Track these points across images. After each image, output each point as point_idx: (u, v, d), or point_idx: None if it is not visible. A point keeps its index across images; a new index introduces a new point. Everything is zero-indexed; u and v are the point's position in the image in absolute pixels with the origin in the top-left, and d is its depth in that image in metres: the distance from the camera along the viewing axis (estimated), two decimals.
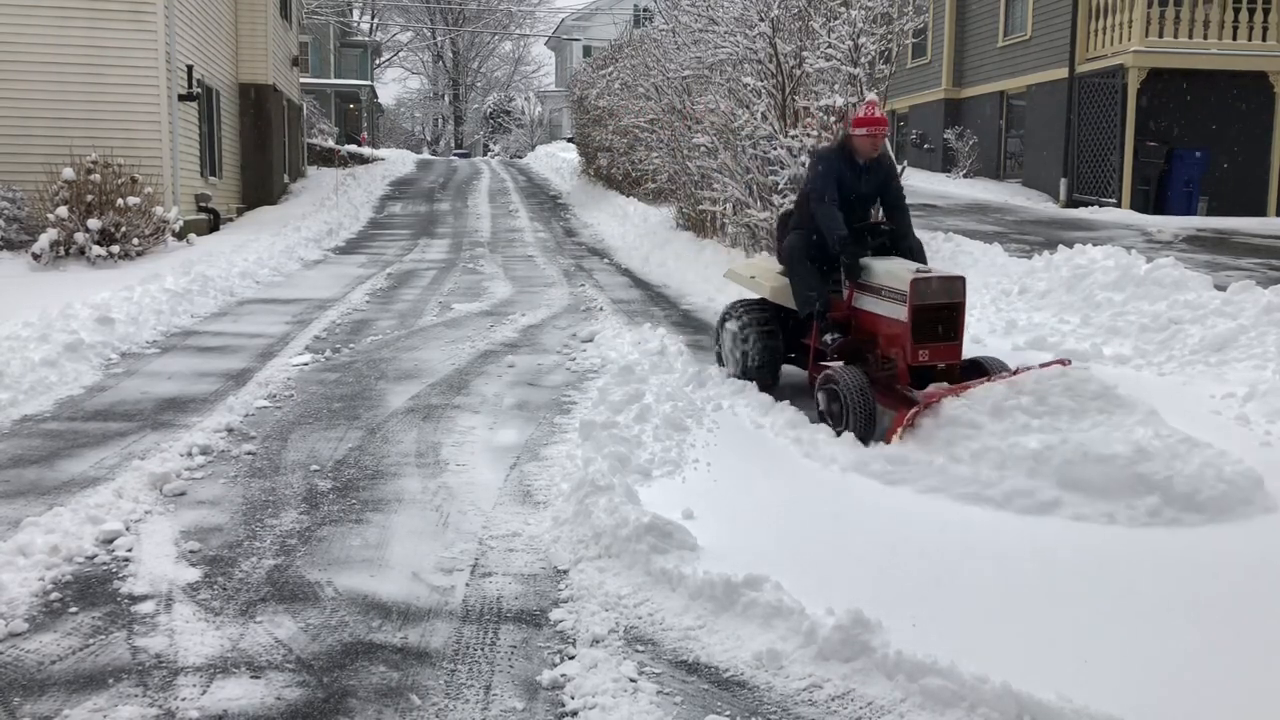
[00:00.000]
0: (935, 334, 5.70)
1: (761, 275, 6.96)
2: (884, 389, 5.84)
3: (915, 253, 6.31)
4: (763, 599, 3.50)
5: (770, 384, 6.64)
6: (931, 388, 5.47)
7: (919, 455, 5.07)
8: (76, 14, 13.30)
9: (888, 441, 5.28)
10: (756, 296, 6.96)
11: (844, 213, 6.20)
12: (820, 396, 5.83)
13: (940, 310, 5.71)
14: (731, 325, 6.87)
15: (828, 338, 6.20)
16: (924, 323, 5.66)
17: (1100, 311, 7.81)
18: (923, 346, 5.67)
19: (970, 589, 3.86)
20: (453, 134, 61.61)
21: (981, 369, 5.82)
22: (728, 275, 7.58)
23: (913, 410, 5.30)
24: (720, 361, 7.11)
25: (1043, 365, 5.60)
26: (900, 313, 5.72)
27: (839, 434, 5.53)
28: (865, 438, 5.44)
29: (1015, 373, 5.48)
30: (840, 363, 5.94)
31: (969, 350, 6.07)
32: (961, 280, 5.86)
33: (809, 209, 6.38)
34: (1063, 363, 5.68)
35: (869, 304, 6.06)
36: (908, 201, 6.68)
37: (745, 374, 6.72)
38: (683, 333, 8.58)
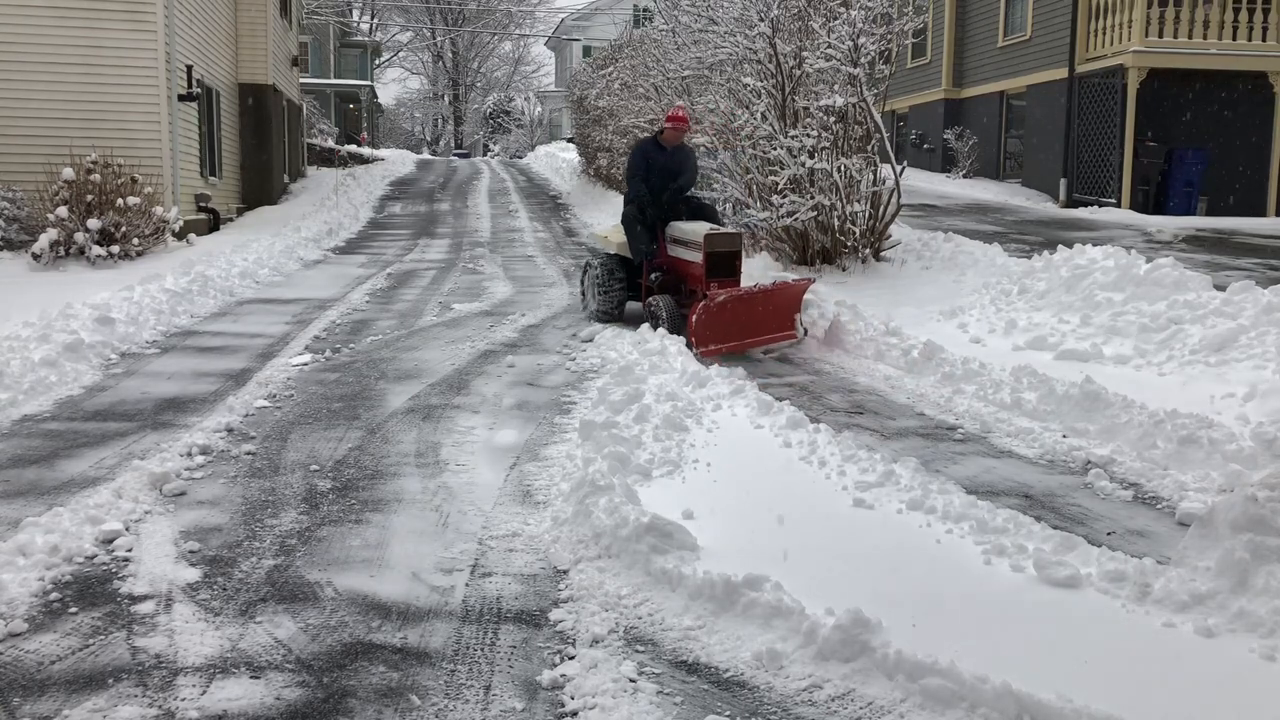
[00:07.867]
0: (722, 272, 8.23)
1: (613, 235, 9.41)
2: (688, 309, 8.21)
3: (709, 212, 9.13)
4: (763, 599, 3.50)
5: (619, 316, 9.09)
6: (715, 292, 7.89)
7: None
8: (76, 14, 13.29)
9: (689, 344, 7.58)
10: (610, 251, 9.31)
11: (657, 182, 8.80)
12: (648, 314, 8.57)
13: (724, 256, 8.27)
14: (592, 273, 9.37)
15: (653, 276, 8.94)
16: (713, 264, 8.20)
17: (1100, 311, 7.80)
18: (712, 281, 8.16)
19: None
20: (452, 134, 61.60)
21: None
22: (591, 238, 10.30)
23: (700, 303, 7.78)
24: (584, 305, 9.70)
25: (790, 282, 8.21)
26: (698, 257, 8.27)
27: (663, 331, 8.02)
28: (675, 332, 7.93)
29: (771, 288, 8.11)
30: (662, 295, 8.52)
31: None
32: (740, 234, 8.74)
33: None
34: (809, 281, 8.34)
35: (680, 252, 8.66)
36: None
37: (601, 309, 9.13)
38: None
